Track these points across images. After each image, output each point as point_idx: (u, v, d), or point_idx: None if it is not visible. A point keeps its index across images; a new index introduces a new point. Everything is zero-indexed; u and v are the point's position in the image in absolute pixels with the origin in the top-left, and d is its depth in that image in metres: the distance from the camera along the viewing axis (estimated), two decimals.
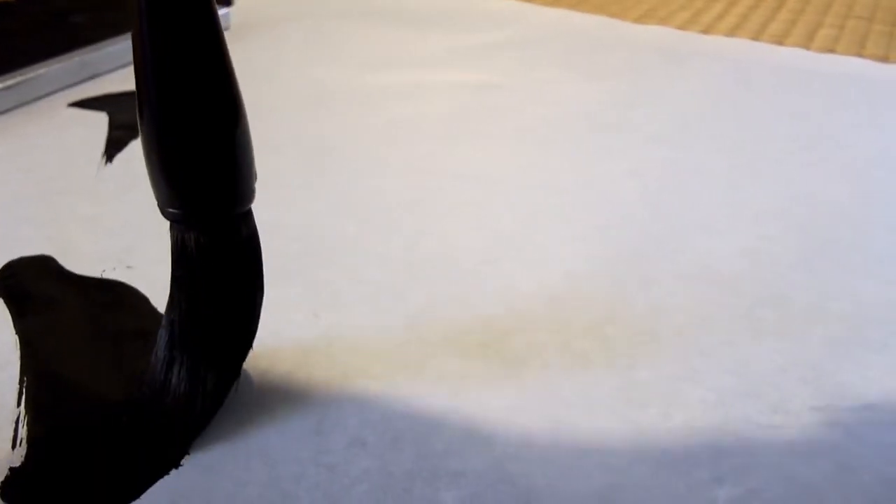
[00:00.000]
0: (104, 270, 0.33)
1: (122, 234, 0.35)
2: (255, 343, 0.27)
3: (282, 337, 0.29)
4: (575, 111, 0.49)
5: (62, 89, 0.49)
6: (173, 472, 0.24)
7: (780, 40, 0.61)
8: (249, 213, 0.25)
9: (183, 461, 0.24)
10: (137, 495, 0.23)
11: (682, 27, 0.64)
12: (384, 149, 0.44)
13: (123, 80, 0.50)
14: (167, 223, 0.25)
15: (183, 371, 0.25)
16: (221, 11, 0.58)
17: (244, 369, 0.27)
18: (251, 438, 0.25)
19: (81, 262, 0.33)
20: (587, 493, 0.23)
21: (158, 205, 0.24)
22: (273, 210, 0.38)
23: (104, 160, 0.41)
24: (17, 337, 0.29)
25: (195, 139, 0.23)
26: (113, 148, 0.42)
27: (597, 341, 0.29)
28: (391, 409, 0.26)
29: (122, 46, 0.52)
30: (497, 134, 0.46)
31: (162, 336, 0.26)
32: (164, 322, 0.26)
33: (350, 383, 0.27)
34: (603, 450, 0.25)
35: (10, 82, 0.46)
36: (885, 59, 0.58)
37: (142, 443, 0.25)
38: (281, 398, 0.27)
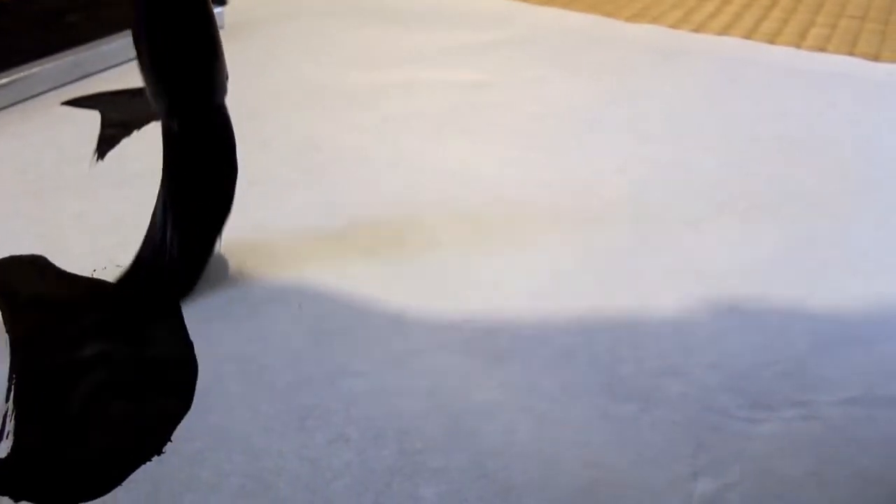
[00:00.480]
0: (95, 270, 0.33)
1: (112, 231, 0.36)
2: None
3: (268, 334, 0.30)
4: (564, 108, 0.49)
5: (55, 88, 0.49)
6: (155, 458, 0.25)
7: (771, 39, 0.62)
8: (223, 106, 0.32)
9: (165, 449, 0.25)
10: (119, 482, 0.24)
11: (674, 26, 0.64)
12: (375, 146, 0.44)
13: (117, 79, 0.51)
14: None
15: (175, 234, 0.31)
16: (216, 10, 0.59)
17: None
18: (235, 431, 0.25)
19: (71, 259, 0.34)
20: (567, 488, 0.23)
21: (149, 99, 0.30)
22: (263, 206, 0.38)
23: (96, 158, 0.42)
24: (7, 336, 0.30)
25: (176, 42, 0.29)
26: (105, 145, 0.43)
27: (580, 336, 0.30)
28: (375, 406, 0.26)
29: (114, 46, 0.53)
30: (487, 131, 0.46)
31: (157, 208, 0.32)
32: (157, 198, 0.32)
33: (337, 382, 0.28)
34: (583, 444, 0.25)
35: (3, 81, 0.46)
36: (875, 57, 0.58)
37: (148, 293, 0.32)
38: (266, 394, 0.27)
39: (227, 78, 0.31)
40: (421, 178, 0.41)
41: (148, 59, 0.30)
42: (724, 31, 0.63)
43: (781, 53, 0.59)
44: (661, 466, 0.24)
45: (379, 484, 0.23)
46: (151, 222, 0.32)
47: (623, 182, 0.41)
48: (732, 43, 0.61)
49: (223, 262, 0.33)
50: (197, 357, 0.29)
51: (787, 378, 0.28)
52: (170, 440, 0.25)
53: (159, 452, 0.25)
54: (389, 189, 0.40)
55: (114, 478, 0.24)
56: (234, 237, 0.33)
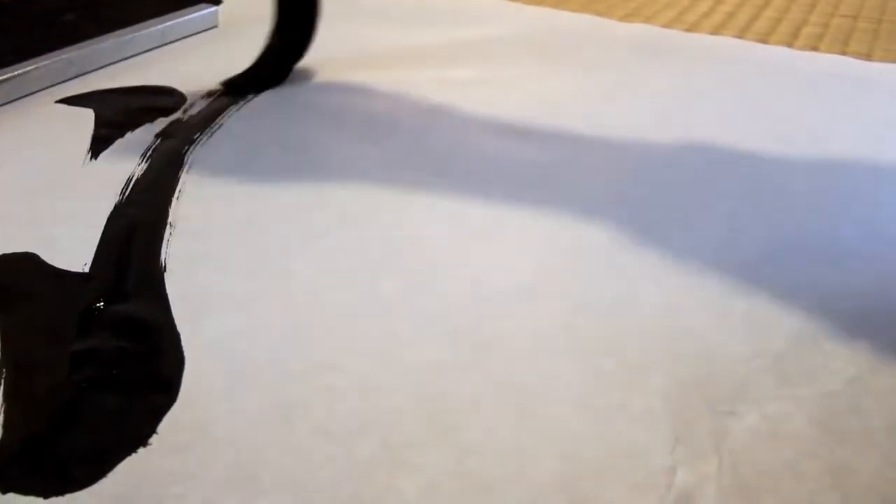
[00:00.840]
0: (85, 264, 0.34)
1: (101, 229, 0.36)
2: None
3: (255, 330, 0.30)
4: (551, 106, 0.49)
5: (50, 87, 0.49)
6: (141, 450, 0.25)
7: (763, 38, 0.62)
8: None
9: (151, 441, 0.25)
10: (105, 473, 0.24)
11: (666, 25, 0.64)
12: (365, 145, 0.44)
13: (111, 78, 0.51)
14: None
15: (274, 40, 0.51)
16: (209, 10, 0.59)
17: None
18: (219, 424, 0.26)
19: (62, 257, 0.34)
20: (545, 483, 0.24)
21: None
22: (251, 204, 0.39)
23: (89, 156, 0.42)
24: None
25: None
26: (98, 144, 0.43)
27: (564, 331, 0.30)
28: (357, 401, 0.27)
29: (109, 44, 0.53)
30: (473, 128, 0.46)
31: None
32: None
33: (320, 377, 0.28)
34: (564, 439, 0.25)
35: None
36: (867, 56, 0.58)
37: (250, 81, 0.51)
38: (250, 388, 0.27)
39: None
40: (410, 175, 0.41)
41: None
42: (717, 30, 0.63)
43: (772, 52, 0.59)
44: (640, 459, 0.24)
45: (360, 476, 0.24)
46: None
47: (607, 178, 0.41)
48: (723, 42, 0.61)
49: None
50: (184, 351, 0.29)
51: (768, 372, 0.28)
52: (155, 432, 0.26)
53: (145, 444, 0.25)
54: (378, 186, 0.40)
55: (100, 469, 0.25)
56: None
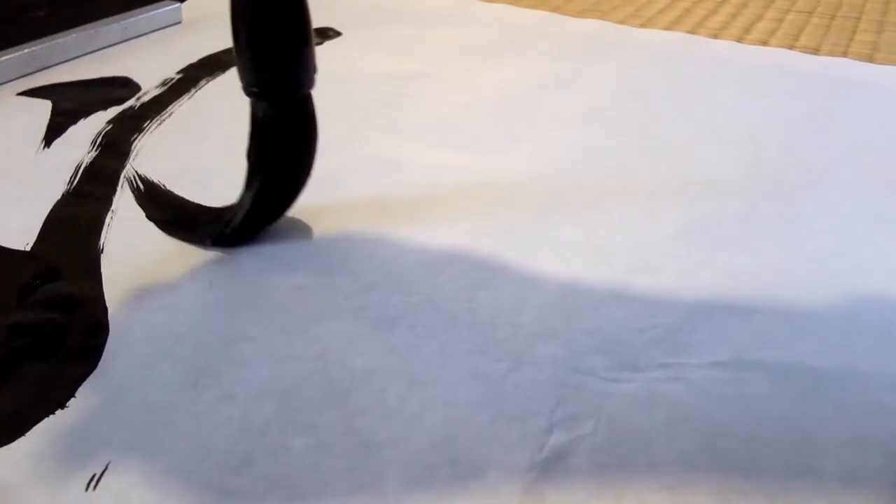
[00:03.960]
0: (27, 244, 0.35)
1: (45, 214, 0.38)
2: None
3: (179, 305, 0.32)
4: (491, 98, 0.51)
5: (14, 80, 0.51)
6: (59, 412, 0.26)
7: (716, 34, 0.63)
8: (310, 97, 0.34)
9: (68, 404, 0.27)
10: (23, 433, 0.26)
11: (622, 21, 0.66)
12: None
13: (72, 71, 0.53)
14: None
15: (248, 195, 0.35)
16: (172, 7, 0.61)
17: None
18: (134, 389, 0.27)
19: (9, 238, 0.36)
20: (424, 444, 0.25)
21: (242, 86, 0.33)
22: (190, 190, 0.40)
23: (43, 145, 0.44)
24: None
25: (274, 36, 0.32)
26: (52, 133, 0.45)
27: (466, 304, 0.31)
28: (263, 369, 0.28)
29: (70, 39, 0.55)
30: (413, 119, 0.48)
31: (245, 182, 0.35)
32: (246, 159, 0.35)
33: (231, 347, 0.29)
34: (449, 404, 0.27)
35: None
36: (815, 50, 0.60)
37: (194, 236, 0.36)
38: (167, 357, 0.29)
39: (315, 70, 0.34)
40: (343, 163, 0.42)
41: (245, 48, 0.32)
42: (671, 26, 0.65)
43: (720, 46, 0.60)
44: (519, 422, 0.26)
45: (254, 435, 0.25)
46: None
47: (534, 164, 0.43)
48: (673, 37, 0.62)
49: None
50: (110, 323, 0.31)
51: (659, 343, 0.30)
52: (74, 396, 0.27)
53: (63, 407, 0.27)
54: (319, 174, 0.41)
55: (19, 429, 0.26)
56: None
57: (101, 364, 0.29)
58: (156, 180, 0.41)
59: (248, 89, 0.33)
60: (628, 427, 0.26)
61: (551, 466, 0.24)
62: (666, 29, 0.64)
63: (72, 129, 0.45)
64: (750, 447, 0.25)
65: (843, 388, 0.28)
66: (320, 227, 0.37)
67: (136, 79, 0.51)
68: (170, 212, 0.38)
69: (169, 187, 0.40)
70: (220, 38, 0.57)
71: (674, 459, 0.25)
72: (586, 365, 0.28)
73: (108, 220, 0.37)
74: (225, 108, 0.49)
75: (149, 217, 0.38)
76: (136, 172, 0.41)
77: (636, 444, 0.25)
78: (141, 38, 0.59)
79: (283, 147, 0.34)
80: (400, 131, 0.46)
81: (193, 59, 0.54)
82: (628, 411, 0.27)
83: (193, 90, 0.50)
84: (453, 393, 0.27)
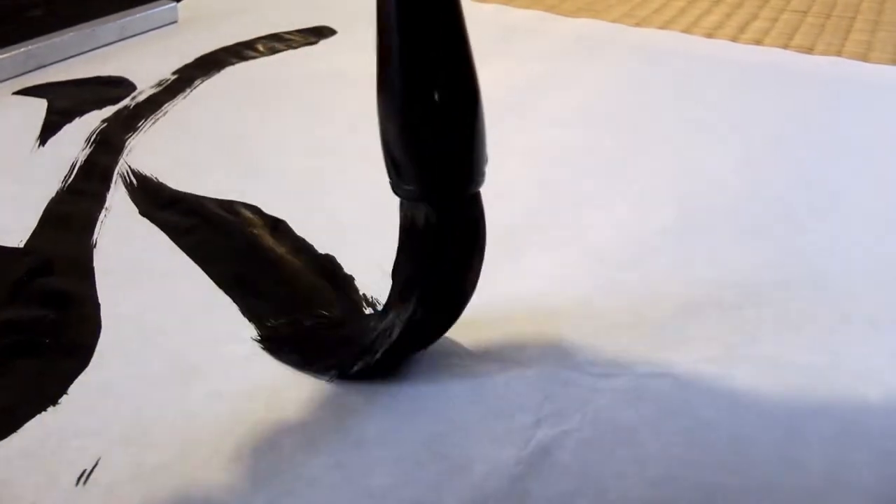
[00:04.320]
0: (21, 241, 0.36)
1: (39, 211, 0.38)
2: None
3: (170, 299, 0.32)
4: (484, 97, 0.50)
5: (10, 79, 0.51)
6: (51, 408, 0.27)
7: (711, 33, 0.63)
8: (478, 195, 0.27)
9: (61, 400, 0.27)
10: (15, 429, 0.26)
11: (616, 21, 0.66)
12: (295, 133, 0.46)
13: (68, 70, 0.53)
14: None
15: (401, 317, 0.27)
16: (168, 6, 0.61)
17: None
18: (125, 386, 0.27)
19: (3, 236, 0.36)
20: (414, 438, 0.25)
21: (390, 183, 0.26)
22: (183, 187, 0.40)
23: (38, 143, 0.44)
24: None
25: (440, 118, 0.24)
26: (47, 132, 0.45)
27: None
28: (252, 369, 0.28)
29: (68, 38, 0.55)
30: None
31: (392, 288, 0.28)
32: (392, 277, 0.28)
33: (222, 346, 0.30)
34: (441, 401, 0.27)
35: None
36: (809, 50, 0.60)
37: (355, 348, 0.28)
38: (158, 354, 0.29)
39: (487, 161, 0.26)
40: (329, 162, 0.43)
41: (401, 130, 0.25)
42: (666, 25, 0.65)
43: (714, 46, 0.61)
44: (506, 418, 0.26)
45: (243, 431, 0.26)
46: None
47: (524, 161, 0.43)
48: (668, 36, 0.63)
49: None
50: (103, 319, 0.31)
51: (649, 338, 0.30)
52: (66, 393, 0.28)
53: (55, 403, 0.27)
54: (303, 166, 0.42)
55: (11, 425, 0.27)
56: None
57: (93, 361, 0.29)
58: (149, 175, 0.41)
59: (403, 189, 0.26)
60: (614, 422, 0.26)
61: (537, 461, 0.25)
62: (660, 28, 0.64)
63: (67, 128, 0.45)
64: (736, 443, 0.26)
65: (830, 383, 0.28)
66: (311, 226, 0.37)
67: (131, 78, 0.52)
68: (282, 327, 0.30)
69: (160, 186, 0.40)
70: (216, 37, 0.58)
71: (658, 454, 0.25)
72: (574, 361, 0.29)
73: (101, 216, 0.38)
74: (219, 108, 0.49)
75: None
76: (130, 168, 0.42)
77: (622, 438, 0.26)
78: (137, 38, 0.59)
79: (452, 258, 0.27)
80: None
81: (189, 59, 0.55)
82: (615, 406, 0.27)
83: (188, 90, 0.50)
84: (443, 391, 0.27)
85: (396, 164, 0.25)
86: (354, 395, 0.27)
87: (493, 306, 0.31)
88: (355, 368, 0.27)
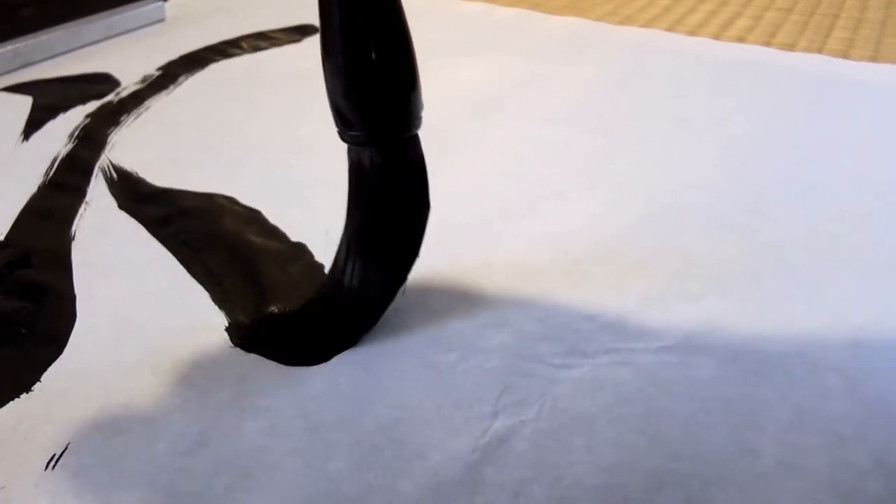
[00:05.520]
0: (1, 233, 0.36)
1: (20, 205, 0.38)
2: None
3: (144, 289, 0.32)
4: (464, 94, 0.52)
5: None
6: (24, 395, 0.27)
7: (693, 31, 0.64)
8: (416, 138, 0.29)
9: (34, 388, 0.28)
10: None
11: (599, 19, 0.66)
12: (280, 130, 0.47)
13: (54, 68, 0.54)
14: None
15: (355, 273, 0.30)
16: (156, 4, 0.62)
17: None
18: (97, 373, 0.28)
19: None
20: (372, 426, 0.26)
21: (338, 131, 0.29)
22: (163, 181, 0.41)
23: (21, 138, 0.45)
24: None
25: (377, 72, 0.27)
26: (31, 127, 0.46)
27: (420, 295, 0.32)
28: (222, 355, 0.29)
29: (55, 36, 0.56)
30: None
31: (342, 242, 0.30)
32: (343, 231, 0.30)
33: (194, 333, 0.30)
34: (400, 390, 0.28)
35: None
36: (791, 47, 0.60)
37: (322, 329, 0.31)
38: (131, 342, 0.30)
39: (423, 107, 0.29)
40: (310, 158, 0.43)
41: (342, 88, 0.27)
42: (649, 23, 0.65)
43: (694, 44, 0.61)
44: (465, 408, 0.27)
45: (209, 418, 0.26)
46: (335, 257, 0.31)
47: (502, 158, 0.44)
48: (651, 34, 0.63)
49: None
50: (78, 309, 0.32)
51: (609, 329, 0.31)
52: (39, 380, 0.28)
53: (28, 390, 0.28)
54: (289, 161, 0.43)
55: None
56: None
57: (66, 349, 0.30)
58: (130, 169, 0.42)
59: (349, 136, 0.28)
60: (572, 412, 0.27)
61: (493, 449, 0.25)
62: (644, 26, 0.65)
63: (50, 124, 0.46)
64: (690, 430, 0.26)
65: (789, 371, 0.29)
66: (288, 217, 0.38)
67: (116, 75, 0.52)
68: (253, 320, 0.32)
69: (139, 180, 0.41)
70: (202, 35, 0.59)
71: (613, 442, 0.26)
72: (535, 352, 0.29)
73: (81, 209, 0.38)
74: (202, 104, 0.50)
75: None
76: (111, 163, 0.43)
77: (579, 427, 0.26)
78: (124, 36, 0.60)
79: (398, 193, 0.29)
80: None
81: (174, 56, 0.55)
82: (573, 396, 0.27)
83: (172, 86, 0.51)
84: (404, 381, 0.28)
85: (342, 115, 0.28)
86: (317, 381, 0.28)
87: (459, 296, 0.32)
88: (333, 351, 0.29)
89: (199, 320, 0.31)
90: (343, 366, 0.29)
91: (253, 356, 0.29)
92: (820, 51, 0.60)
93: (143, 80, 0.51)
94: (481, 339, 0.30)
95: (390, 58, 0.27)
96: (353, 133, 0.28)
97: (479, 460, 0.25)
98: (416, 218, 0.30)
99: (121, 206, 0.38)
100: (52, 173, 0.41)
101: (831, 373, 0.29)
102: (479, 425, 0.26)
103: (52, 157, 0.42)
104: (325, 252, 0.35)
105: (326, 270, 0.33)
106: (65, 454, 0.25)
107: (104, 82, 0.50)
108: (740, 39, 0.62)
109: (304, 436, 0.26)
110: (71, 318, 0.31)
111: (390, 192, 0.29)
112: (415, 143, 0.29)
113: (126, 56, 0.56)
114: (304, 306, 0.32)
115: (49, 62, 0.55)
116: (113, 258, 0.35)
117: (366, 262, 0.29)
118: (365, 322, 0.30)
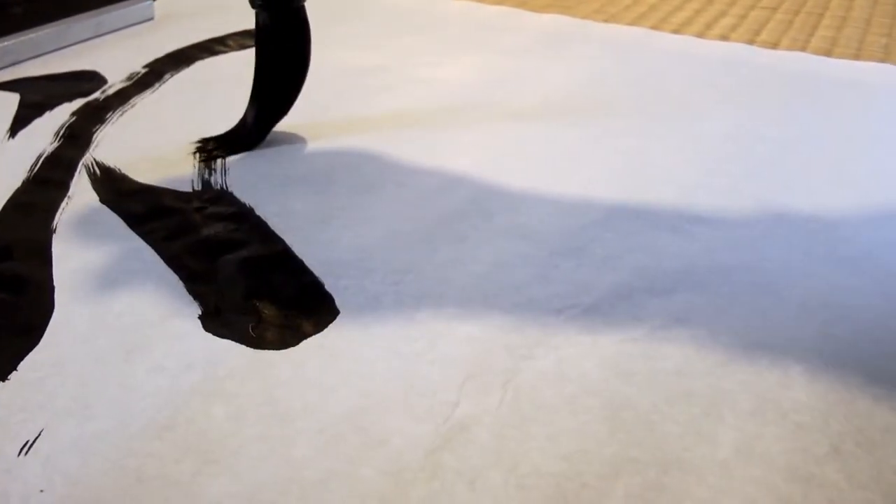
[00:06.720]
0: None
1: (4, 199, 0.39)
2: None
3: (122, 280, 0.33)
4: (447, 91, 0.52)
5: None
6: (0, 384, 0.28)
7: (678, 29, 0.64)
8: (303, 7, 0.43)
9: (10, 377, 0.28)
10: None
11: (586, 17, 0.67)
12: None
13: (43, 66, 0.55)
14: None
15: (253, 104, 0.45)
16: (144, 3, 0.62)
17: None
18: (72, 363, 0.29)
19: None
20: (337, 413, 0.27)
21: (249, 1, 0.42)
22: (147, 175, 0.42)
23: (8, 136, 0.45)
24: None
25: None
26: (18, 125, 0.46)
27: (391, 286, 0.33)
28: (193, 343, 0.30)
29: (44, 34, 0.57)
30: (368, 110, 0.49)
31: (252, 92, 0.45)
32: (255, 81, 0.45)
33: (167, 323, 0.31)
34: (367, 378, 0.28)
35: None
36: (774, 45, 0.61)
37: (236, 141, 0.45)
38: (105, 332, 0.30)
39: None
40: (299, 153, 0.44)
41: None
42: (635, 21, 0.66)
43: (677, 41, 0.62)
44: (428, 396, 0.27)
45: (180, 402, 0.27)
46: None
47: (477, 154, 0.44)
48: (635, 32, 0.64)
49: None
50: (56, 301, 0.32)
51: (578, 321, 0.31)
52: (16, 370, 0.29)
53: (4, 379, 0.29)
54: (260, 168, 0.43)
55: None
56: None
57: (43, 339, 0.30)
58: (113, 166, 0.42)
59: (254, 2, 0.42)
60: (535, 401, 0.27)
61: (454, 436, 0.26)
62: (630, 25, 0.65)
63: (37, 121, 0.47)
64: (651, 419, 0.27)
65: (753, 362, 0.29)
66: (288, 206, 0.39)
67: (103, 73, 0.53)
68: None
69: (122, 175, 0.42)
70: (190, 33, 0.59)
71: (574, 431, 0.26)
72: (501, 343, 0.30)
73: (63, 203, 0.39)
74: (187, 101, 0.50)
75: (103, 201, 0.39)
76: (94, 159, 0.43)
77: (540, 417, 0.27)
78: (113, 34, 0.61)
79: (282, 44, 0.43)
80: (351, 123, 0.48)
81: (161, 54, 0.56)
82: (536, 386, 0.28)
83: (157, 84, 0.51)
84: (370, 368, 0.29)
85: None
86: (285, 368, 0.29)
87: (428, 288, 0.33)
88: (240, 136, 0.44)
89: (174, 308, 0.32)
90: (311, 353, 0.29)
91: (223, 343, 0.30)
92: (803, 49, 0.60)
93: (130, 77, 0.52)
94: (448, 328, 0.30)
95: None
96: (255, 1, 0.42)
97: (439, 447, 0.25)
98: (295, 70, 0.44)
99: (102, 201, 0.39)
100: (36, 169, 0.42)
101: (795, 363, 0.29)
102: (441, 413, 0.27)
103: (37, 154, 0.43)
104: (303, 249, 0.35)
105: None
106: (38, 440, 0.26)
107: (91, 80, 0.51)
108: (724, 38, 0.63)
109: (270, 422, 0.26)
110: (48, 309, 0.32)
111: (276, 47, 0.43)
112: (300, 10, 0.43)
113: (114, 54, 0.57)
114: (231, 130, 0.45)
115: (37, 60, 0.55)
116: (92, 251, 0.35)
117: (257, 104, 0.44)
118: (251, 143, 0.44)
